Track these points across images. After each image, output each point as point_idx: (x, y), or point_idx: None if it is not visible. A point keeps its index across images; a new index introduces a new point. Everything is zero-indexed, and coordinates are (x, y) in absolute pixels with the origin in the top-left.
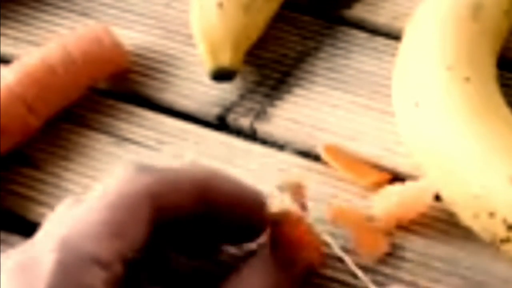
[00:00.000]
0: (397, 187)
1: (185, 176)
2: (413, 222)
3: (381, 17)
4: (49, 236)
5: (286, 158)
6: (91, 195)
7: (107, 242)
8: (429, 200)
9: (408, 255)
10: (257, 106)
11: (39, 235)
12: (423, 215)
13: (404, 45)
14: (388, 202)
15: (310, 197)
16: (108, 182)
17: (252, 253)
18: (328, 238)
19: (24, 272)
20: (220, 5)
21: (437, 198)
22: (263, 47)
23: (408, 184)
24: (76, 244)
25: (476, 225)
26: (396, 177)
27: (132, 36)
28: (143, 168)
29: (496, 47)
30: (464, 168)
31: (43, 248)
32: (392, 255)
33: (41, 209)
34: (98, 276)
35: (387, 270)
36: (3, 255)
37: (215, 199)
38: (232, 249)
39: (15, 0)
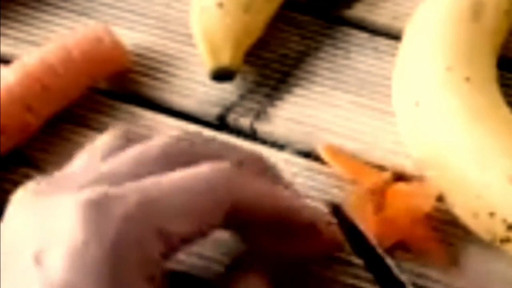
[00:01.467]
0: (401, 187)
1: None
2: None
3: (381, 17)
4: (130, 189)
5: (286, 158)
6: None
7: (178, 222)
8: (433, 200)
9: (408, 255)
10: (257, 106)
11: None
12: (427, 215)
13: (404, 45)
14: (392, 202)
15: (309, 197)
16: (207, 166)
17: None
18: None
19: (97, 212)
20: (220, 5)
21: (440, 199)
22: (263, 47)
23: (412, 184)
24: (151, 212)
25: (476, 225)
26: (396, 177)
27: (132, 36)
28: (244, 165)
29: (496, 47)
30: (464, 168)
31: (121, 197)
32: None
33: None
34: (157, 247)
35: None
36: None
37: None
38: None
39: (15, 0)
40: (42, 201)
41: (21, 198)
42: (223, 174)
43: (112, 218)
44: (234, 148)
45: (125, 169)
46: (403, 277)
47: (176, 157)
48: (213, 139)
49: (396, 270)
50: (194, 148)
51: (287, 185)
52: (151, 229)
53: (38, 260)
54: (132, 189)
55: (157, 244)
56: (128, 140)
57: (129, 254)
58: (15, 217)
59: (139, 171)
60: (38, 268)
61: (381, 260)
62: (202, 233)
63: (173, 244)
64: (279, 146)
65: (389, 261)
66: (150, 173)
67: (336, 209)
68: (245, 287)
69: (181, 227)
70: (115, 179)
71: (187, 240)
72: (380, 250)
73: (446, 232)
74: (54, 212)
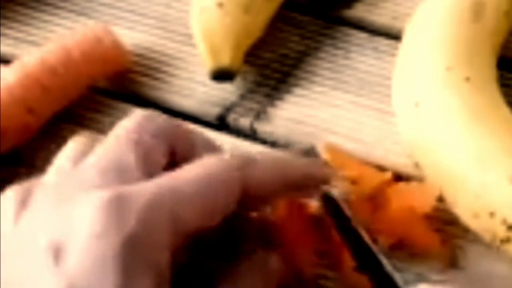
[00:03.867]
0: (401, 187)
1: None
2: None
3: (381, 17)
4: (143, 186)
5: None
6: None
7: (192, 210)
8: (433, 200)
9: (408, 255)
10: (257, 106)
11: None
12: (427, 215)
13: (404, 45)
14: (391, 202)
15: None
16: (211, 160)
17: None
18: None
19: (114, 211)
20: (220, 5)
21: (440, 199)
22: (263, 47)
23: (413, 184)
24: (167, 204)
25: (476, 225)
26: (396, 177)
27: (132, 36)
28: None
29: (496, 47)
30: (464, 168)
31: (135, 192)
32: (394, 255)
33: None
34: (170, 235)
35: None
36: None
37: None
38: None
39: (14, 0)
40: (60, 197)
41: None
42: (230, 165)
43: (131, 211)
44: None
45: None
46: (386, 263)
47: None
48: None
49: (381, 257)
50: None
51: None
52: (166, 218)
53: (55, 251)
54: (149, 185)
55: (171, 234)
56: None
57: (143, 245)
58: (34, 209)
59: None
60: (54, 260)
61: (369, 249)
62: (214, 224)
63: (186, 234)
64: (279, 146)
65: (376, 250)
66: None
67: (328, 199)
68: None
69: (195, 215)
70: (126, 178)
71: (199, 231)
72: (369, 241)
73: (446, 232)
74: (73, 207)
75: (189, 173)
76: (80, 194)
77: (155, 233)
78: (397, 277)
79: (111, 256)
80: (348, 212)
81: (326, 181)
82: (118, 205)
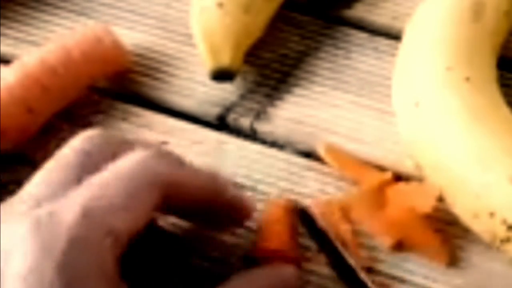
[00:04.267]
0: (401, 187)
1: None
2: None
3: (381, 17)
4: (70, 199)
5: (286, 158)
6: (115, 166)
7: (122, 217)
8: (434, 200)
9: (408, 254)
10: (257, 106)
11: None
12: (427, 215)
13: (404, 45)
14: (391, 202)
15: (310, 197)
16: (130, 157)
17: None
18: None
19: (44, 230)
20: (220, 5)
21: (440, 199)
22: (263, 47)
23: (413, 184)
24: (97, 214)
25: (476, 225)
26: (396, 177)
27: (132, 36)
28: (163, 155)
29: (496, 47)
30: (464, 168)
31: (65, 209)
32: (394, 255)
33: None
34: (110, 248)
35: (390, 270)
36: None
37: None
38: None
39: (14, 0)
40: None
41: None
42: (149, 159)
43: (58, 231)
44: (146, 143)
45: (55, 180)
46: (360, 274)
47: (97, 156)
48: (126, 139)
49: (357, 268)
50: (110, 146)
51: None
52: (102, 232)
53: None
54: (71, 199)
55: (110, 244)
56: None
57: (84, 262)
58: None
59: (69, 179)
60: None
61: (344, 259)
62: (144, 224)
63: (123, 241)
64: (279, 146)
65: (352, 262)
66: (77, 178)
67: (304, 214)
68: None
69: (126, 222)
70: (52, 193)
71: (133, 235)
72: (343, 251)
73: (446, 232)
74: (7, 237)
75: (106, 178)
76: (12, 220)
77: (91, 249)
78: (366, 280)
79: (49, 285)
80: (323, 226)
81: (246, 217)
82: (43, 229)
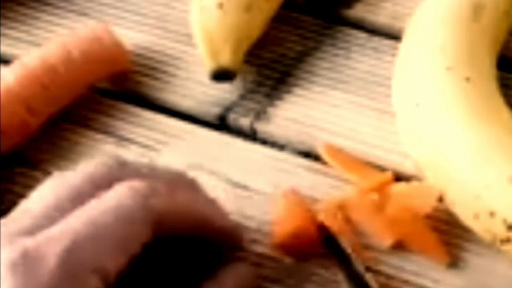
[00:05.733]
0: (401, 187)
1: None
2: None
3: (381, 17)
4: (53, 239)
5: (286, 158)
6: (93, 204)
7: (110, 256)
8: (434, 200)
9: (408, 255)
10: (257, 106)
11: (40, 215)
12: (427, 215)
13: (404, 45)
14: (391, 202)
15: (310, 197)
16: (110, 194)
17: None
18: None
19: (26, 269)
20: (220, 5)
21: (440, 199)
22: (263, 47)
23: (413, 184)
24: (81, 255)
25: (476, 225)
26: (396, 177)
27: (132, 36)
28: (155, 188)
29: (496, 47)
30: (464, 168)
31: (48, 247)
32: (394, 255)
33: None
34: (97, 283)
35: (390, 270)
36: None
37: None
38: None
39: (15, 0)
40: None
41: None
42: (138, 194)
43: (41, 268)
44: (160, 169)
45: (46, 210)
46: (374, 284)
47: (101, 182)
48: (142, 165)
49: (366, 275)
50: (119, 173)
51: (211, 201)
52: (88, 271)
53: None
54: (56, 236)
55: (96, 282)
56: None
57: None
58: None
59: (64, 207)
60: None
61: (352, 263)
62: (134, 256)
63: (111, 278)
64: (279, 146)
65: (361, 268)
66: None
67: (330, 240)
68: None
69: (115, 260)
70: (40, 223)
71: (121, 272)
72: (372, 282)
73: (446, 232)
74: None
75: (102, 212)
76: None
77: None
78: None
79: None
80: (347, 250)
81: (236, 246)
82: (27, 263)
